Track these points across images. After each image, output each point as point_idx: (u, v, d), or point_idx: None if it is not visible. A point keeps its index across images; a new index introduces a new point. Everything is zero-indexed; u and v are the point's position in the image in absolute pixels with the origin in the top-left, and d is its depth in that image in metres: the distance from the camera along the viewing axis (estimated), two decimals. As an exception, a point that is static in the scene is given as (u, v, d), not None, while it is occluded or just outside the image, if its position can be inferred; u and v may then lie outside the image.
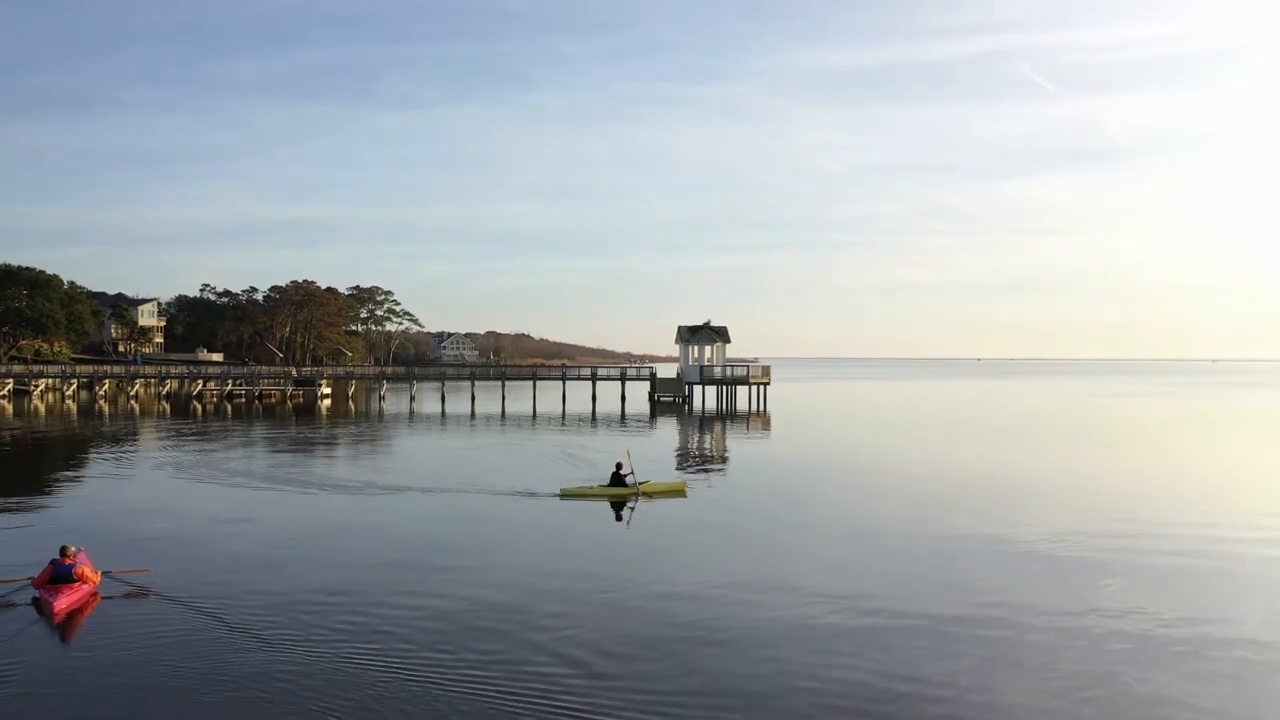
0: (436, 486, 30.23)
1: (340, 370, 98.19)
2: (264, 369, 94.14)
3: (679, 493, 28.91)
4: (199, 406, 77.26)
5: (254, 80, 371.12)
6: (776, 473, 37.27)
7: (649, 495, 27.81)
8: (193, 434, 52.97)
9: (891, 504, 28.12)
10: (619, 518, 25.58)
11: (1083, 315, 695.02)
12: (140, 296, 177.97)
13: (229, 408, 75.92)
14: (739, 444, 50.25)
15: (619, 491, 27.71)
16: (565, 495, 27.62)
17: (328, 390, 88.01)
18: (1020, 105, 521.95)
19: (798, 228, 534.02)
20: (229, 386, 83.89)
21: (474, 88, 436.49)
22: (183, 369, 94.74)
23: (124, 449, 44.46)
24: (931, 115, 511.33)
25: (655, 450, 45.47)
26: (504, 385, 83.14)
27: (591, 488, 28.27)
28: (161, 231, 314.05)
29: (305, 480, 31.98)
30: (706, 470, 37.79)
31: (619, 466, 28.73)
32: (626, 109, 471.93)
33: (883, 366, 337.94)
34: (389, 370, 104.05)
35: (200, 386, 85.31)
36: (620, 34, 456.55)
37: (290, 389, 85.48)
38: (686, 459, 41.95)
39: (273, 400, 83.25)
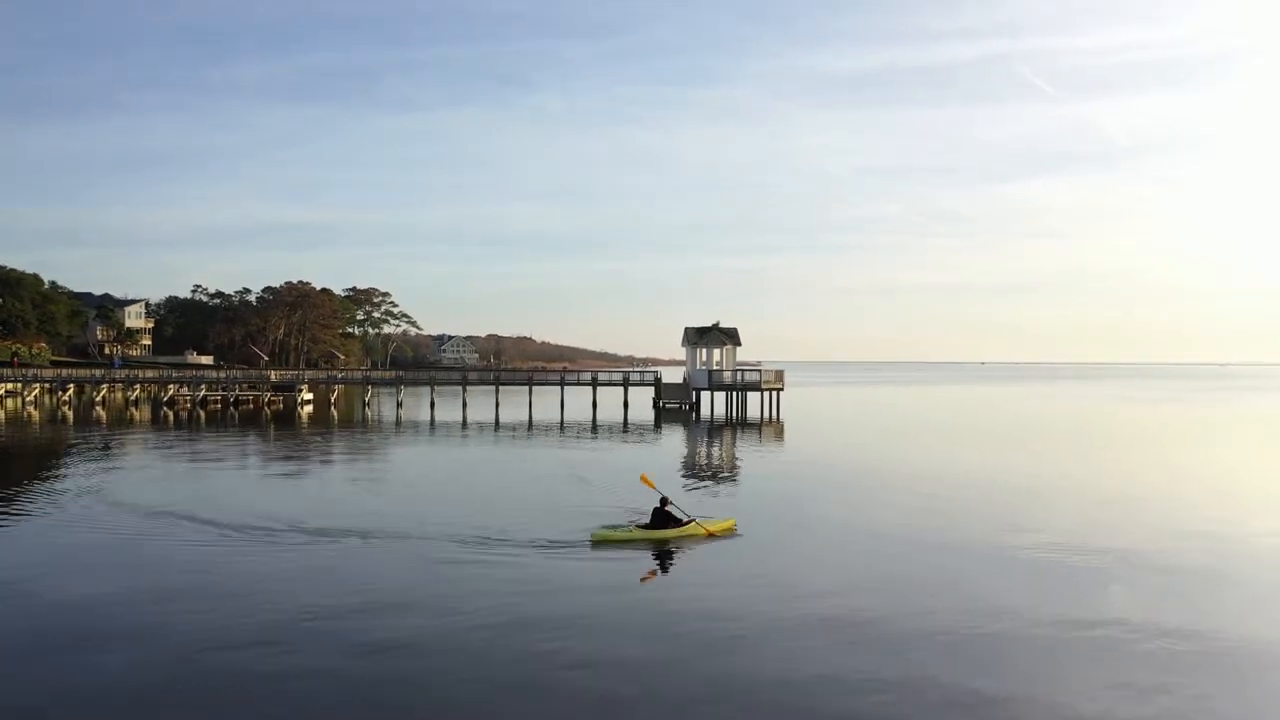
0: (394, 530, 23.00)
1: (322, 374, 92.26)
2: (239, 373, 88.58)
3: (729, 532, 22.98)
4: (170, 413, 71.90)
5: (254, 82, 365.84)
6: (813, 494, 31.67)
7: (708, 534, 22.18)
8: (137, 446, 47.56)
9: (953, 524, 22.79)
10: (664, 569, 20.08)
11: (1084, 317, 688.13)
12: (129, 297, 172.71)
13: (201, 415, 70.53)
14: (762, 459, 44.82)
15: (664, 534, 21.88)
16: (597, 543, 21.32)
17: (309, 396, 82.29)
18: (1020, 107, 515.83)
19: (798, 230, 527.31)
20: (202, 392, 78.20)
21: (474, 90, 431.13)
22: (155, 373, 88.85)
23: (41, 466, 39.08)
24: (931, 117, 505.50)
25: (664, 464, 40.19)
26: (497, 391, 77.58)
27: (630, 530, 22.15)
28: (162, 234, 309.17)
29: (212, 518, 24.51)
30: (728, 489, 32.41)
31: (664, 501, 22.64)
32: (627, 111, 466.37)
33: (887, 370, 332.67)
34: (374, 374, 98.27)
35: (172, 392, 79.54)
36: (620, 36, 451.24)
37: (268, 394, 79.76)
38: (706, 477, 36.52)
39: (249, 407, 77.72)
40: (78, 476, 34.84)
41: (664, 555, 20.96)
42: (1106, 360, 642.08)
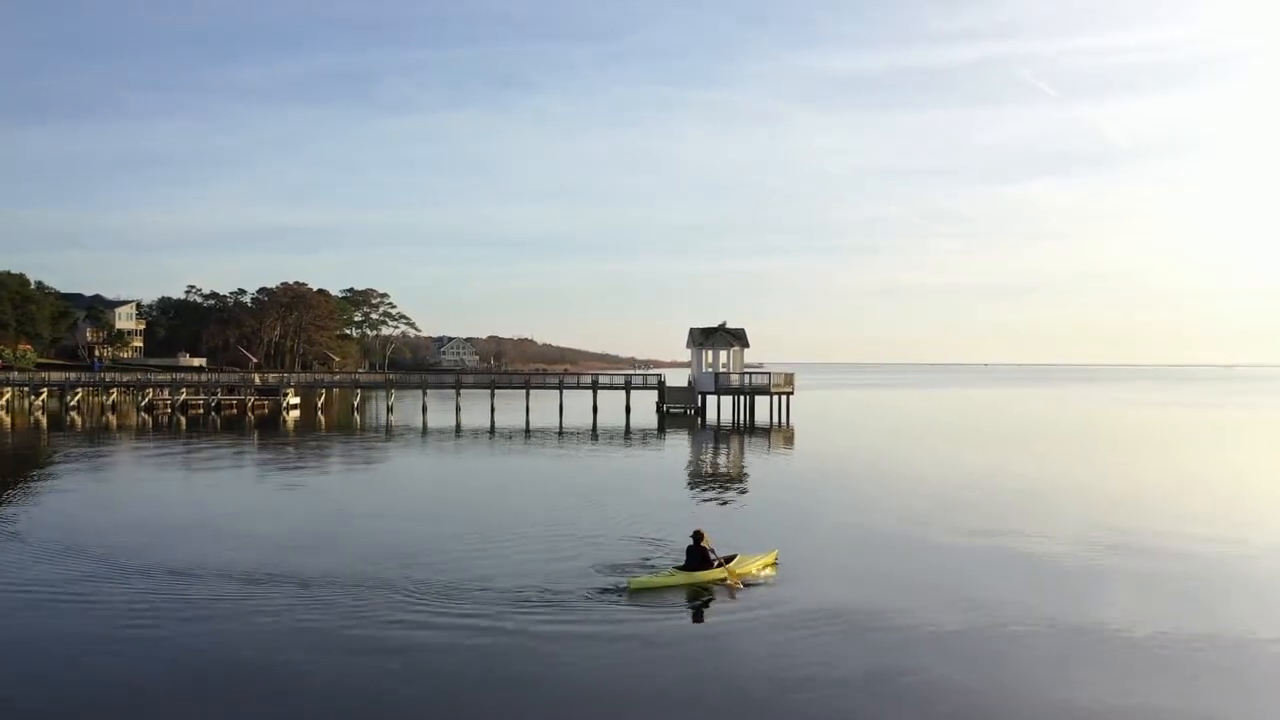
0: (349, 574, 18.23)
1: (308, 378, 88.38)
2: (222, 377, 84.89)
3: (771, 571, 19.31)
4: (149, 419, 68.39)
5: (255, 85, 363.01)
6: (842, 507, 28.04)
7: (739, 579, 18.22)
8: (94, 457, 44.11)
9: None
10: (698, 616, 16.40)
11: (1086, 319, 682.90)
12: (122, 298, 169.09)
13: (182, 420, 66.97)
14: (778, 468, 41.34)
15: (702, 578, 18.03)
16: (635, 589, 17.30)
17: (295, 400, 78.53)
18: (1020, 109, 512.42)
19: (799, 231, 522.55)
20: (182, 396, 74.42)
21: (475, 92, 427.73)
22: (132, 376, 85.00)
23: None
24: (933, 119, 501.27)
25: (670, 474, 36.76)
26: (493, 395, 73.89)
27: (671, 574, 18.12)
28: (162, 236, 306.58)
29: (124, 558, 19.79)
30: (749, 505, 28.90)
31: (699, 537, 18.57)
32: (627, 113, 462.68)
33: (890, 372, 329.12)
34: (362, 377, 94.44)
35: (150, 396, 75.72)
36: (621, 39, 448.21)
37: (252, 399, 75.75)
38: (719, 489, 33.02)
39: (233, 411, 74.00)
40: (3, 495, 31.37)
41: (703, 605, 17.02)
42: (1109, 362, 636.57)
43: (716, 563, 18.51)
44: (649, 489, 33.26)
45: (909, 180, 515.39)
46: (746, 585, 18.11)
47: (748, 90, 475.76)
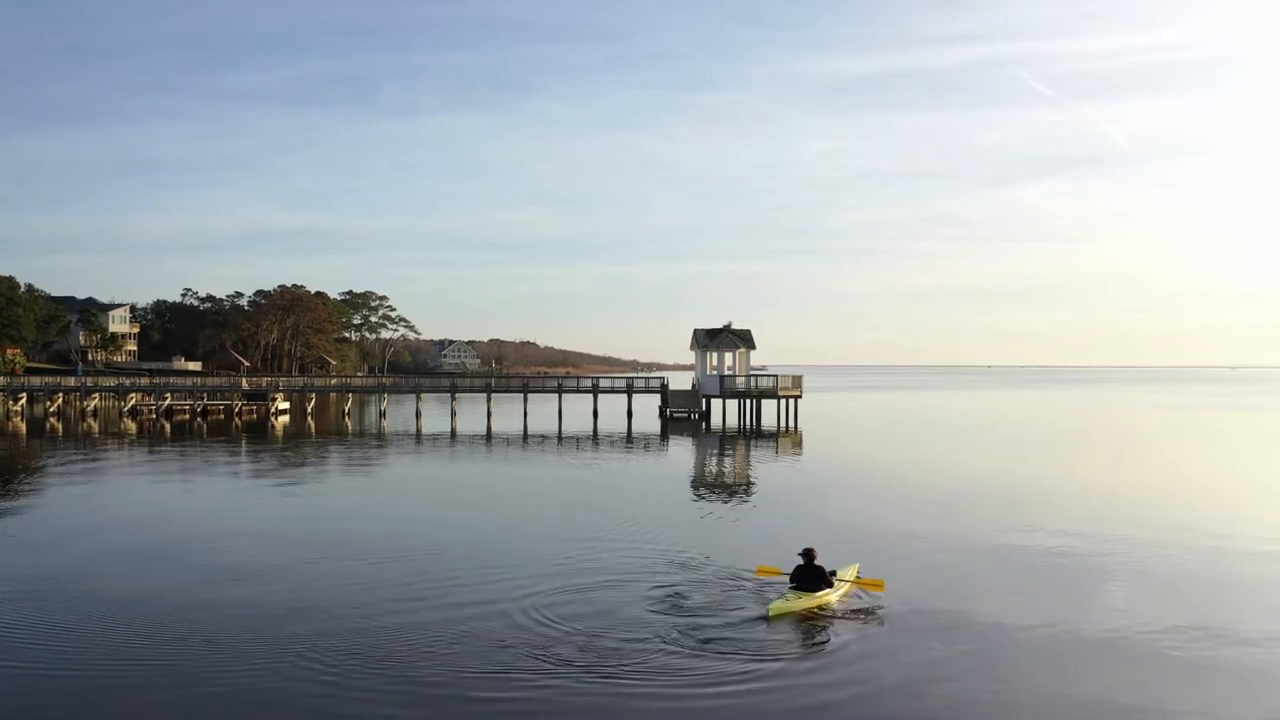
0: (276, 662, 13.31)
1: (297, 382, 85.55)
2: (209, 381, 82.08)
3: (877, 586, 17.59)
4: (132, 425, 65.80)
5: (257, 89, 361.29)
6: (889, 517, 25.45)
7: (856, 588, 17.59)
8: (54, 469, 41.52)
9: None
10: (820, 641, 14.78)
11: (1087, 321, 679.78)
12: (116, 301, 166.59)
13: (166, 426, 64.34)
14: (792, 474, 38.75)
15: (828, 597, 16.82)
16: (775, 615, 15.74)
17: (284, 405, 75.83)
18: (1022, 112, 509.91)
19: (800, 234, 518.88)
20: (166, 401, 71.65)
21: (476, 95, 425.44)
22: (114, 380, 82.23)
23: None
24: (933, 122, 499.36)
25: (675, 480, 34.20)
26: (489, 399, 71.26)
27: (801, 597, 16.48)
28: (164, 240, 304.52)
29: None
30: (781, 516, 26.31)
31: (810, 554, 17.07)
32: (628, 116, 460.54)
33: (892, 374, 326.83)
34: (353, 381, 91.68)
35: (134, 401, 72.97)
36: (621, 43, 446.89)
37: (239, 404, 73.17)
38: (727, 498, 30.44)
39: (220, 417, 71.26)
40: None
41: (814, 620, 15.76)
42: (1112, 364, 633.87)
43: (833, 579, 17.21)
44: (662, 501, 30.69)
45: (911, 183, 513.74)
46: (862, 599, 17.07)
47: (748, 93, 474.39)
